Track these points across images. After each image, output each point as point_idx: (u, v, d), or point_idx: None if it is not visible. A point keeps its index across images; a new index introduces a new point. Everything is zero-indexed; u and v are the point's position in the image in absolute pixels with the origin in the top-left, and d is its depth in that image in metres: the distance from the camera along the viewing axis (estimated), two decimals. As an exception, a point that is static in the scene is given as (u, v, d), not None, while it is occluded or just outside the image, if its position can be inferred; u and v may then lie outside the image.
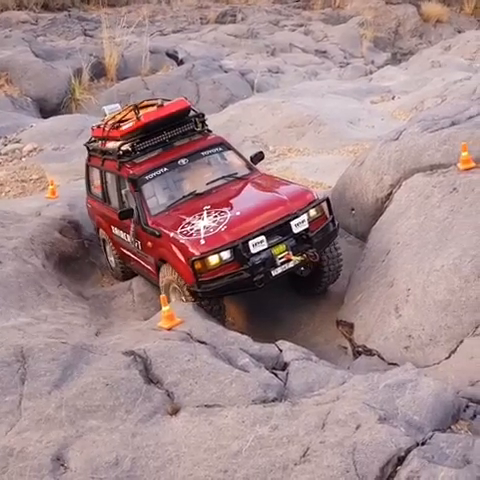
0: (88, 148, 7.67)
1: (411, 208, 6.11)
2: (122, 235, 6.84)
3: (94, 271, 7.91)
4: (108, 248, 7.61)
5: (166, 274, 5.90)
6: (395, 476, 3.51)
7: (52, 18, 22.15)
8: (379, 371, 4.56)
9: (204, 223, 5.66)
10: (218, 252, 5.43)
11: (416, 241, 5.75)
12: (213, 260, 5.43)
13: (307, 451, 3.79)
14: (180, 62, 18.76)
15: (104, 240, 7.63)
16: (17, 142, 12.74)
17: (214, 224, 5.64)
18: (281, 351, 4.93)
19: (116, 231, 7.03)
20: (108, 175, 7.08)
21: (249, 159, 6.77)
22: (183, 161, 6.49)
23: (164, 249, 5.84)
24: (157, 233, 5.92)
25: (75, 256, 7.90)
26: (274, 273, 5.54)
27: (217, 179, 6.48)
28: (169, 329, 5.11)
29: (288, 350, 4.92)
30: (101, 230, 7.65)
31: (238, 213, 5.78)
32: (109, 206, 7.14)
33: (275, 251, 5.56)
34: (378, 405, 4.03)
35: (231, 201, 6.07)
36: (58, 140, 12.54)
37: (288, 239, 5.64)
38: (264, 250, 5.50)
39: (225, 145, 6.84)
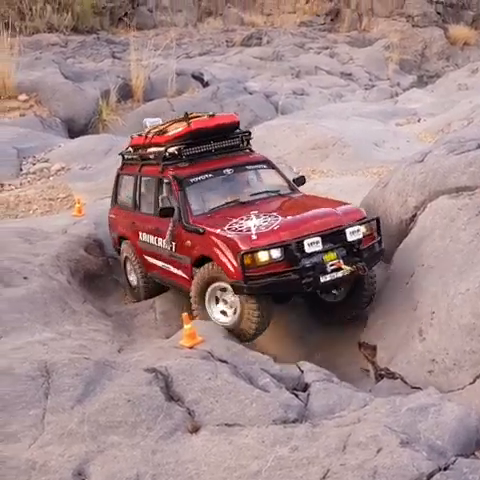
0: (123, 156, 7.76)
1: (436, 230, 6.07)
2: (152, 240, 6.81)
3: (117, 288, 7.98)
4: (129, 266, 7.53)
5: (208, 272, 5.74)
6: (417, 501, 3.47)
7: (81, 40, 22.71)
8: (401, 395, 4.51)
9: (254, 222, 5.60)
10: (269, 249, 5.34)
11: (441, 264, 5.71)
12: (263, 257, 5.33)
13: (327, 473, 3.76)
14: (205, 84, 19.03)
15: (126, 257, 7.55)
16: (45, 161, 13.01)
17: (266, 223, 5.60)
18: (302, 372, 4.92)
19: (144, 237, 7.01)
20: (145, 181, 7.14)
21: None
22: (228, 171, 6.59)
23: (208, 246, 5.75)
24: (200, 230, 5.88)
25: (99, 273, 7.99)
26: (323, 279, 5.45)
27: (261, 192, 6.57)
28: (191, 347, 5.13)
29: (309, 371, 4.91)
30: (124, 246, 7.57)
31: (290, 217, 5.79)
32: (139, 212, 7.19)
33: (326, 257, 5.50)
34: (400, 429, 4.00)
35: (280, 209, 6.08)
36: (85, 160, 12.78)
37: (340, 248, 5.61)
38: (316, 254, 5.44)
39: (270, 164, 6.97)
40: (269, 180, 6.87)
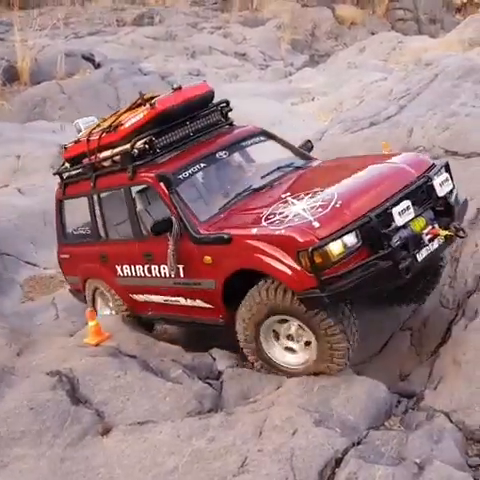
0: (61, 175, 5.89)
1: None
2: (139, 271, 5.17)
3: (13, 287, 7.52)
4: (103, 310, 5.93)
5: (258, 296, 4.20)
6: (334, 478, 3.51)
7: (-42, 21, 21.12)
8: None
9: (301, 206, 4.14)
10: (340, 236, 3.88)
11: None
12: (336, 248, 3.85)
13: (245, 461, 3.73)
14: (97, 65, 18.33)
15: (96, 301, 6.02)
16: None
17: (319, 203, 4.10)
18: (214, 359, 4.85)
19: (125, 271, 5.32)
20: (106, 197, 5.48)
21: None
22: (222, 154, 5.06)
23: (245, 255, 4.21)
24: (225, 237, 4.31)
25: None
26: (419, 257, 4.05)
27: (272, 171, 5.02)
28: (96, 345, 4.92)
29: (221, 358, 4.85)
30: (91, 288, 5.96)
31: (345, 187, 4.29)
32: (109, 241, 5.50)
33: (415, 226, 4.10)
34: (313, 408, 4.03)
35: (317, 183, 4.51)
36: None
37: (427, 209, 4.25)
38: (404, 226, 4.05)
39: (267, 134, 5.44)
40: (273, 153, 5.38)
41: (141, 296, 5.34)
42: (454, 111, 7.52)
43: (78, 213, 5.94)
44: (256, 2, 25.40)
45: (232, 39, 22.29)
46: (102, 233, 5.55)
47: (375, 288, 4.03)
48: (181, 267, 4.70)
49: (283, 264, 3.97)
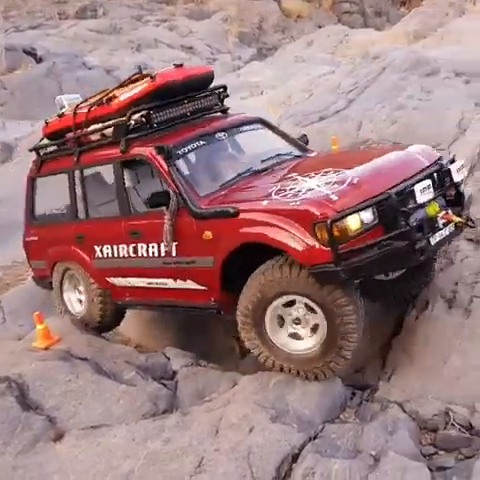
0: (38, 151, 5.65)
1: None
2: (124, 251, 4.91)
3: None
4: (71, 295, 5.68)
5: (270, 273, 3.97)
6: (291, 474, 3.51)
7: None
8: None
9: (314, 182, 4.01)
10: (359, 210, 3.74)
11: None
12: (354, 223, 3.71)
13: (202, 461, 3.70)
14: (39, 60, 17.84)
15: (63, 285, 5.71)
16: None
17: (334, 179, 3.99)
18: (169, 359, 4.79)
19: (106, 251, 5.06)
20: (91, 174, 5.28)
21: None
22: (221, 135, 4.92)
23: (251, 229, 3.99)
24: (231, 210, 4.09)
25: None
26: (433, 241, 3.95)
27: (272, 156, 4.91)
28: (46, 348, 4.79)
29: (175, 357, 4.81)
30: (59, 272, 5.65)
31: (360, 169, 4.15)
32: (90, 220, 5.23)
33: (430, 210, 4.04)
34: (269, 404, 4.02)
35: (330, 165, 4.32)
36: None
37: (440, 196, 4.20)
38: (418, 207, 3.98)
39: (265, 123, 5.35)
40: (271, 142, 5.25)
41: (120, 279, 5.08)
42: (401, 104, 7.65)
43: (49, 195, 5.70)
44: (202, -6, 25.24)
45: (178, 32, 22.09)
46: (81, 212, 5.29)
47: (389, 267, 4.01)
48: (173, 244, 4.46)
49: (296, 238, 3.77)
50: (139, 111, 4.72)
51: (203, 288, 4.47)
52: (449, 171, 4.21)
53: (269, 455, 3.60)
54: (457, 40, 14.18)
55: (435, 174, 4.19)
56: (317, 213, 3.71)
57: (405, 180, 3.99)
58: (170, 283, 4.67)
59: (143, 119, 4.72)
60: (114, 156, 4.85)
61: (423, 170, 4.16)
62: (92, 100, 5.13)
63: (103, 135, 5.00)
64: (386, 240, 3.76)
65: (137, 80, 4.93)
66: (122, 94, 4.82)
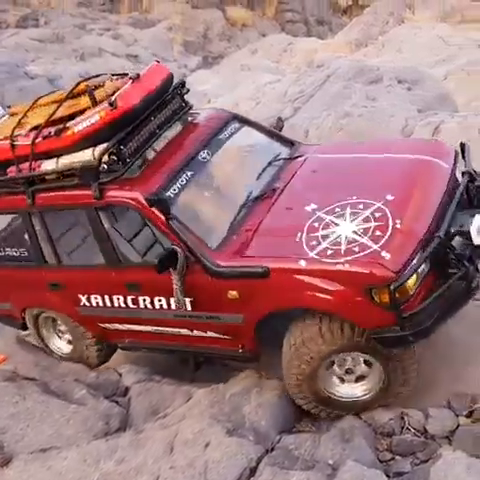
0: None
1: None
2: (120, 302, 4.32)
3: None
4: (53, 337, 5.16)
5: (319, 336, 3.61)
6: (249, 488, 3.45)
7: None
8: (223, 382, 4.46)
9: (349, 227, 3.58)
10: (416, 269, 3.35)
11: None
12: (411, 280, 3.36)
13: (157, 480, 3.60)
14: (-21, 69, 17.32)
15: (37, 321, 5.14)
16: None
17: (373, 224, 3.54)
18: (121, 375, 4.68)
19: (96, 301, 4.47)
20: (54, 216, 4.48)
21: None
22: (204, 155, 4.21)
23: (290, 292, 3.59)
24: (260, 270, 3.60)
25: None
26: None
27: (264, 168, 4.35)
28: (-9, 369, 4.57)
29: (128, 373, 4.70)
30: (31, 312, 5.07)
31: (392, 197, 3.68)
32: (63, 268, 4.56)
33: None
34: (225, 417, 3.97)
35: (347, 186, 3.92)
36: None
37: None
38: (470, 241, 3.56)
39: (240, 119, 4.66)
40: (254, 143, 4.65)
41: (117, 325, 4.57)
42: (347, 112, 7.76)
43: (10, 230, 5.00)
44: (145, 3, 25.09)
45: (122, 41, 21.88)
46: (49, 257, 4.59)
47: (452, 314, 3.55)
48: (188, 300, 3.95)
49: (348, 301, 3.40)
50: (108, 150, 3.97)
51: (229, 338, 4.08)
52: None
53: (226, 469, 3.54)
54: (397, 48, 14.58)
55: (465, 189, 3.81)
56: (374, 277, 3.32)
57: (440, 205, 3.63)
58: (185, 332, 4.25)
59: (114, 158, 4.01)
60: (85, 202, 4.12)
61: (448, 182, 3.80)
62: (29, 123, 4.38)
63: (63, 175, 4.23)
64: (446, 288, 3.42)
65: (81, 94, 4.27)
66: (76, 125, 4.03)
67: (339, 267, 3.40)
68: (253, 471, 3.52)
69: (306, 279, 3.49)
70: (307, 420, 4.07)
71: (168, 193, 3.92)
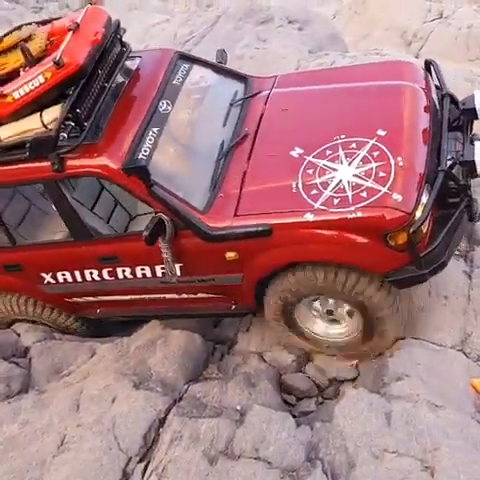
0: None
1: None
2: (94, 275, 4.03)
3: None
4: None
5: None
6: (159, 440, 3.48)
7: None
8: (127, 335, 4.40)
9: (349, 171, 3.37)
10: (430, 211, 3.27)
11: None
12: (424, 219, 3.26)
13: (64, 439, 3.58)
14: None
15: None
16: None
17: (374, 165, 3.35)
18: (19, 335, 4.51)
19: (64, 278, 4.12)
20: (3, 194, 4.17)
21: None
22: (164, 106, 3.81)
23: (296, 247, 3.37)
24: (262, 229, 3.37)
25: None
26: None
27: (228, 112, 4.01)
28: None
29: (26, 333, 4.53)
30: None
31: (386, 133, 3.47)
32: (19, 248, 4.13)
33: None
34: (131, 371, 3.95)
35: (329, 123, 3.67)
36: None
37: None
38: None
39: (186, 57, 4.24)
40: (206, 83, 4.26)
41: (89, 298, 4.28)
42: (239, 54, 7.62)
43: None
44: None
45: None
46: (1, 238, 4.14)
47: (459, 242, 3.55)
48: (178, 266, 3.70)
49: (362, 249, 3.25)
50: (64, 116, 3.43)
51: (222, 297, 3.93)
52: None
53: (135, 423, 3.55)
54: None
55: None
56: (390, 222, 3.17)
57: (434, 135, 3.50)
58: (171, 296, 4.08)
59: (71, 123, 3.49)
60: (43, 176, 3.64)
61: (431, 103, 3.66)
62: None
63: (6, 148, 3.64)
64: (453, 219, 3.39)
65: (25, 55, 3.55)
66: (15, 89, 3.45)
67: (351, 216, 3.20)
68: (162, 422, 3.56)
69: (314, 232, 3.29)
70: (213, 366, 4.12)
71: (140, 156, 3.52)
